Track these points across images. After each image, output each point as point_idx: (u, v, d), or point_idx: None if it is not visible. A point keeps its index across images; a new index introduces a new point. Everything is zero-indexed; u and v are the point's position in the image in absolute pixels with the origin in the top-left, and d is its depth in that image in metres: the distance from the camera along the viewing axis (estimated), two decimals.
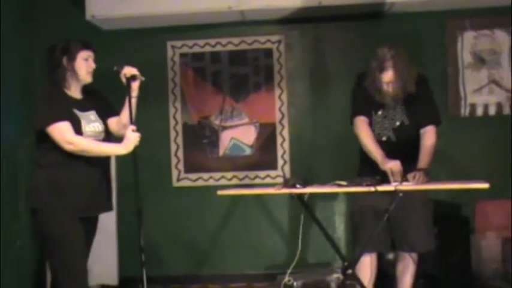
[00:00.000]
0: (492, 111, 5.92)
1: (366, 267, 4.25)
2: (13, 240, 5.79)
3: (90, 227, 3.68)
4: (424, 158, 4.16)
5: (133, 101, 3.72)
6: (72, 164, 3.51)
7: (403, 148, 4.21)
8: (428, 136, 4.23)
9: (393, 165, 4.04)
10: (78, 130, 3.54)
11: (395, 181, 3.99)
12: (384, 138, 4.26)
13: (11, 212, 5.79)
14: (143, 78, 3.73)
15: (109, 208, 3.79)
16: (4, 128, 5.83)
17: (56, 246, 3.49)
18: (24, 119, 5.94)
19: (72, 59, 3.59)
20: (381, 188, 3.85)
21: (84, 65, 3.62)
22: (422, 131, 4.25)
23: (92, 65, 3.66)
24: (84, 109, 3.63)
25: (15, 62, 5.98)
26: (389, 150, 4.19)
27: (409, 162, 4.09)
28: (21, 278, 5.87)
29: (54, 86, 3.60)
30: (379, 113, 4.28)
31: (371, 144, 4.21)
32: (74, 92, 3.65)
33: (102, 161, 3.65)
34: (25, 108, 5.97)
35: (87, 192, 3.56)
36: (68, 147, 3.46)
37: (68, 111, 3.52)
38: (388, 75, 4.10)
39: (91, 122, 3.62)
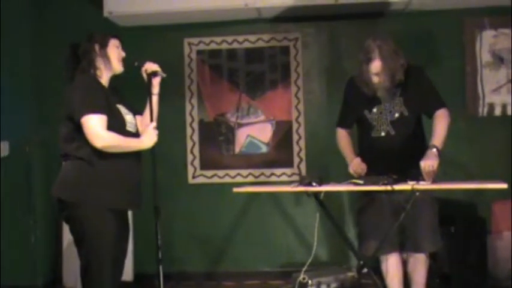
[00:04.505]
0: (510, 111, 5.87)
1: (393, 268, 4.25)
2: (28, 236, 5.83)
3: (124, 222, 3.63)
4: (437, 136, 4.06)
5: (155, 98, 3.68)
6: (111, 157, 3.41)
7: (403, 142, 4.16)
8: (442, 117, 4.14)
9: (352, 166, 4.23)
10: (120, 120, 3.48)
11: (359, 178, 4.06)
12: (383, 134, 4.21)
13: (25, 208, 5.84)
14: (164, 75, 3.69)
15: (139, 205, 3.67)
16: (16, 123, 5.88)
17: (90, 241, 3.41)
18: (37, 115, 5.99)
19: (104, 45, 3.54)
20: (397, 187, 3.84)
21: (116, 52, 3.58)
22: (435, 115, 4.15)
23: (122, 53, 3.61)
24: (116, 101, 3.56)
25: (29, 59, 6.01)
26: (389, 145, 4.16)
27: (410, 157, 4.03)
28: (36, 273, 5.90)
29: (89, 75, 3.50)
30: (374, 110, 4.23)
31: (346, 151, 4.42)
32: (105, 82, 3.58)
33: (137, 156, 3.56)
34: (37, 104, 6.01)
35: (126, 186, 3.49)
36: (96, 142, 3.34)
37: (107, 102, 3.44)
38: (375, 66, 4.06)
39: (126, 114, 3.56)
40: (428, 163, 3.91)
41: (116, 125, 3.44)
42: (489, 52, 5.90)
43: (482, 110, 5.90)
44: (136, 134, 3.60)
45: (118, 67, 3.60)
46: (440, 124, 4.11)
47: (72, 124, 3.43)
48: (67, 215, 3.47)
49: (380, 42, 4.07)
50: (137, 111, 3.74)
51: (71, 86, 3.48)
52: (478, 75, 5.91)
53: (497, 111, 5.89)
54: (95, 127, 3.35)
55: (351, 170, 4.24)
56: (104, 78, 3.58)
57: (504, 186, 3.69)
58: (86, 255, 3.45)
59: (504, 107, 5.87)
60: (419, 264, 4.25)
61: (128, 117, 3.57)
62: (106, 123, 3.39)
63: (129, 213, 5.53)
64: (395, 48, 4.10)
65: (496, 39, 5.89)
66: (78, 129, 3.39)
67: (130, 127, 3.55)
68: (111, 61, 3.56)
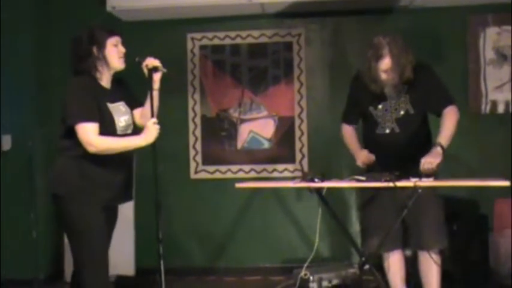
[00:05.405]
0: None
1: (395, 265, 4.25)
2: (29, 230, 5.84)
3: (112, 216, 3.67)
4: (444, 133, 4.05)
5: (155, 93, 3.67)
6: (102, 156, 3.45)
7: (408, 140, 4.15)
8: (450, 114, 4.11)
9: (360, 157, 4.23)
10: (112, 124, 3.50)
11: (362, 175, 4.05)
12: (388, 131, 4.20)
13: (27, 202, 5.84)
14: (165, 70, 3.69)
15: (130, 198, 3.80)
16: (19, 118, 5.88)
17: (80, 236, 3.46)
18: (40, 110, 5.98)
19: (102, 47, 3.51)
20: (399, 184, 3.84)
21: (115, 52, 3.55)
22: (443, 112, 4.13)
23: (122, 50, 3.59)
24: (114, 100, 3.57)
25: (33, 53, 6.01)
26: (394, 142, 4.15)
27: (414, 155, 4.01)
28: (38, 267, 5.91)
29: (86, 77, 3.52)
30: (380, 106, 4.21)
31: (352, 146, 4.42)
32: (105, 82, 3.59)
33: (128, 153, 3.61)
34: (40, 99, 6.01)
35: (115, 183, 3.54)
36: (90, 148, 3.40)
37: (99, 108, 3.46)
38: (384, 63, 4.03)
39: (122, 115, 3.57)
40: (428, 160, 3.90)
41: (106, 130, 3.47)
42: (492, 49, 5.89)
43: (485, 107, 5.89)
44: (131, 135, 3.62)
45: (118, 65, 3.59)
46: (448, 121, 4.09)
47: (65, 125, 3.49)
48: (58, 210, 3.52)
49: (390, 40, 4.04)
50: (141, 104, 3.75)
51: (66, 87, 3.50)
52: (481, 72, 5.90)
53: (500, 109, 5.88)
54: (87, 134, 3.40)
55: (359, 162, 4.23)
56: (104, 80, 3.59)
57: (506, 183, 3.68)
58: (78, 250, 3.50)
59: (507, 104, 5.86)
60: (430, 264, 4.19)
61: (122, 119, 3.58)
62: (98, 130, 3.43)
63: (131, 208, 5.63)
64: (404, 46, 4.07)
65: (500, 37, 5.87)
66: (71, 130, 3.44)
67: (122, 130, 3.57)
68: (110, 62, 3.56)
